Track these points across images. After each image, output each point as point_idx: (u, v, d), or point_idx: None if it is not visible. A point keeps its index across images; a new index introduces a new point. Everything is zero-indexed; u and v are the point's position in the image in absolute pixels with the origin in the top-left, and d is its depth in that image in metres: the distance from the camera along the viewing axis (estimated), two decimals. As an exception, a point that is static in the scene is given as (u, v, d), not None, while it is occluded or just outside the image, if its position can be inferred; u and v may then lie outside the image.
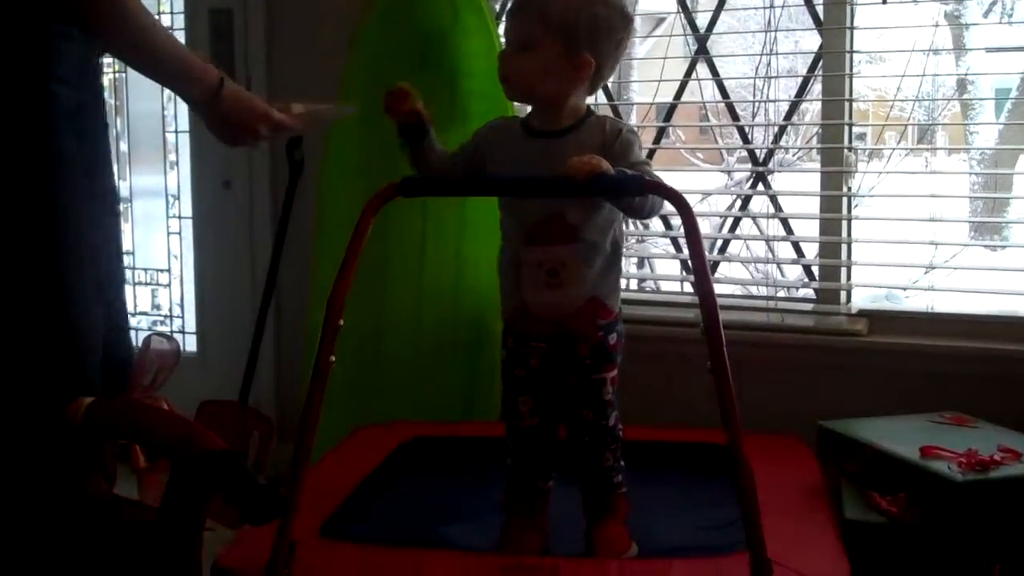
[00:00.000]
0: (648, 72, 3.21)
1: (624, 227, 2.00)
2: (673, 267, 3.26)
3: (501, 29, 2.74)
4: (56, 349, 1.70)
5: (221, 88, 1.82)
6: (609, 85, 3.06)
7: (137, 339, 3.57)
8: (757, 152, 2.94)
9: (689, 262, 3.01)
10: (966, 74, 3.17)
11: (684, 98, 3.03)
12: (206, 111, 1.84)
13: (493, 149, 1.97)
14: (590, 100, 2.05)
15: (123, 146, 3.65)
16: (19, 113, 1.65)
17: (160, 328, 3.62)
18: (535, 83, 1.90)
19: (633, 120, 3.24)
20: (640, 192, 1.81)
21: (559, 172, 1.76)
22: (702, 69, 2.98)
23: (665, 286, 3.27)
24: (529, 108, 2.02)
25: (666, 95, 3.03)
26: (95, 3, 1.72)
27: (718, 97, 3.01)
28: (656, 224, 3.09)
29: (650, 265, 3.47)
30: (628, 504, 2.03)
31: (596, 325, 1.94)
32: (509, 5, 2.02)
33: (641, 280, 3.36)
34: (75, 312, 1.72)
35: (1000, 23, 3.71)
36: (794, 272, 3.03)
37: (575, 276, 1.91)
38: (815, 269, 2.89)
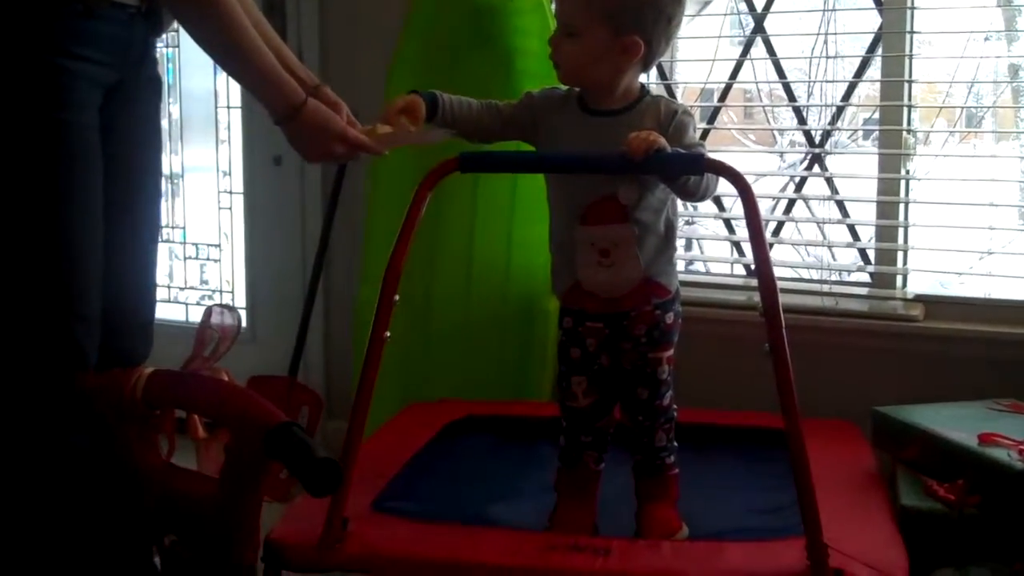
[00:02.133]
0: (697, 52, 3.18)
1: (677, 208, 1.98)
2: (722, 248, 3.23)
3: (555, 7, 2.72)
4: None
5: (302, 107, 1.84)
6: (662, 64, 3.04)
7: (188, 313, 3.63)
8: (813, 134, 2.90)
9: (740, 244, 3.00)
10: (1020, 57, 3.09)
11: (738, 79, 3.00)
12: (284, 126, 1.86)
13: (548, 117, 1.96)
14: (643, 79, 2.04)
15: (175, 122, 3.67)
16: (20, 83, 1.67)
17: (208, 303, 3.63)
18: (585, 70, 1.89)
19: (681, 100, 3.21)
20: (700, 171, 1.79)
21: (618, 149, 1.75)
22: (756, 50, 2.95)
23: (714, 267, 3.25)
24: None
25: (719, 75, 3.00)
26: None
27: (772, 77, 2.97)
28: (708, 206, 3.07)
29: (699, 246, 3.44)
30: (679, 486, 2.02)
31: (651, 304, 1.93)
32: None
33: (689, 262, 3.33)
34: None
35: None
36: (849, 256, 2.99)
37: (627, 256, 1.90)
38: (870, 253, 2.85)
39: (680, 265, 3.18)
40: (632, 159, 1.74)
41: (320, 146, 1.90)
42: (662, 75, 3.07)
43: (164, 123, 3.64)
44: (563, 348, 2.01)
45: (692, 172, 1.81)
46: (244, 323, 3.47)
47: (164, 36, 3.52)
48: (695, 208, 3.12)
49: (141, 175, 1.91)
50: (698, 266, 3.31)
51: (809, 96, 2.90)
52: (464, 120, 1.96)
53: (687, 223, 3.22)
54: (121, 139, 1.83)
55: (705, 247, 3.40)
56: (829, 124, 2.89)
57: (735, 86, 3.09)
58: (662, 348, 1.95)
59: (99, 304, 1.77)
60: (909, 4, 2.71)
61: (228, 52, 1.80)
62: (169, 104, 3.65)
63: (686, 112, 1.91)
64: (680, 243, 3.31)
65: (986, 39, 2.81)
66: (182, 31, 3.49)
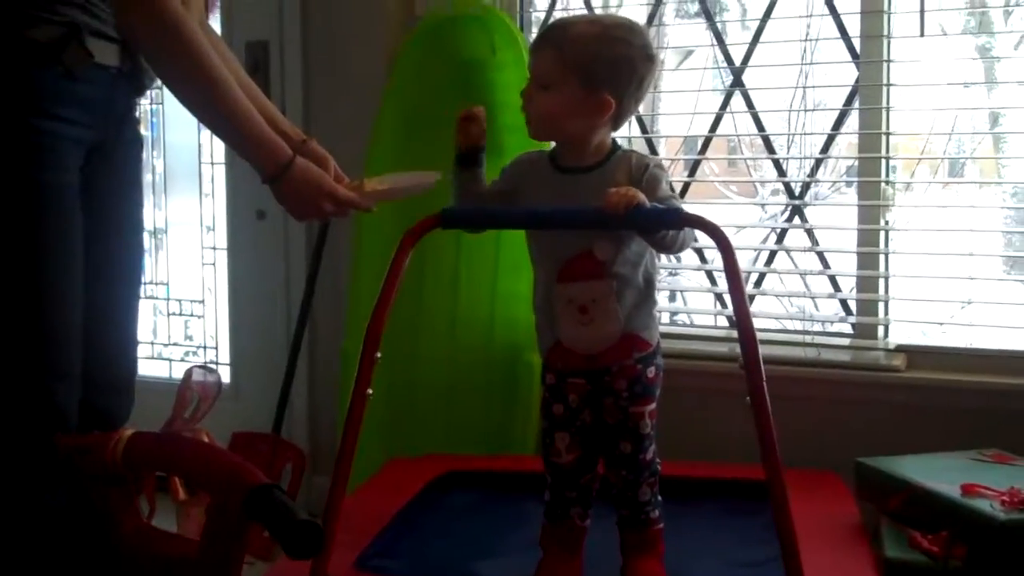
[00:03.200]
0: (678, 104, 3.21)
1: (656, 260, 1.99)
2: (706, 300, 3.25)
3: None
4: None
5: (290, 166, 1.85)
6: (642, 117, 3.07)
7: (171, 370, 3.61)
8: (792, 185, 2.93)
9: (723, 296, 3.01)
10: (999, 108, 3.14)
11: (718, 131, 3.03)
12: (272, 187, 1.88)
13: (522, 183, 1.97)
14: (621, 133, 2.06)
15: (158, 176, 3.68)
16: (1, 144, 1.68)
17: (193, 359, 3.62)
18: (556, 123, 1.90)
19: (663, 152, 3.24)
20: (679, 226, 1.81)
21: (597, 205, 1.76)
22: (736, 103, 2.98)
23: (698, 319, 3.26)
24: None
25: (699, 128, 3.03)
26: (156, 56, 1.77)
27: (752, 130, 3.01)
28: (690, 257, 3.08)
29: (683, 298, 3.46)
30: (664, 540, 2.01)
31: (633, 358, 1.93)
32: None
33: (673, 313, 3.34)
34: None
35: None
36: (831, 307, 3.00)
37: (606, 311, 1.90)
38: (852, 303, 2.87)
39: (664, 317, 3.22)
40: (611, 214, 1.75)
41: (309, 205, 1.91)
42: (643, 128, 3.10)
43: (148, 177, 3.67)
44: (546, 404, 2.01)
45: (671, 227, 1.82)
46: (228, 379, 3.46)
47: (148, 93, 3.56)
48: (678, 260, 3.14)
49: (122, 234, 1.91)
50: (682, 318, 3.32)
51: (788, 148, 2.93)
52: (482, 195, 1.98)
53: (670, 274, 3.24)
54: (102, 198, 1.83)
55: (688, 299, 3.42)
56: (808, 176, 2.92)
57: (720, 137, 3.12)
58: (644, 402, 1.95)
59: (79, 364, 1.76)
60: (885, 57, 2.75)
61: (215, 114, 1.81)
62: (153, 158, 3.67)
63: (658, 165, 1.92)
64: (664, 295, 3.35)
65: (966, 87, 2.85)
66: (165, 89, 3.54)
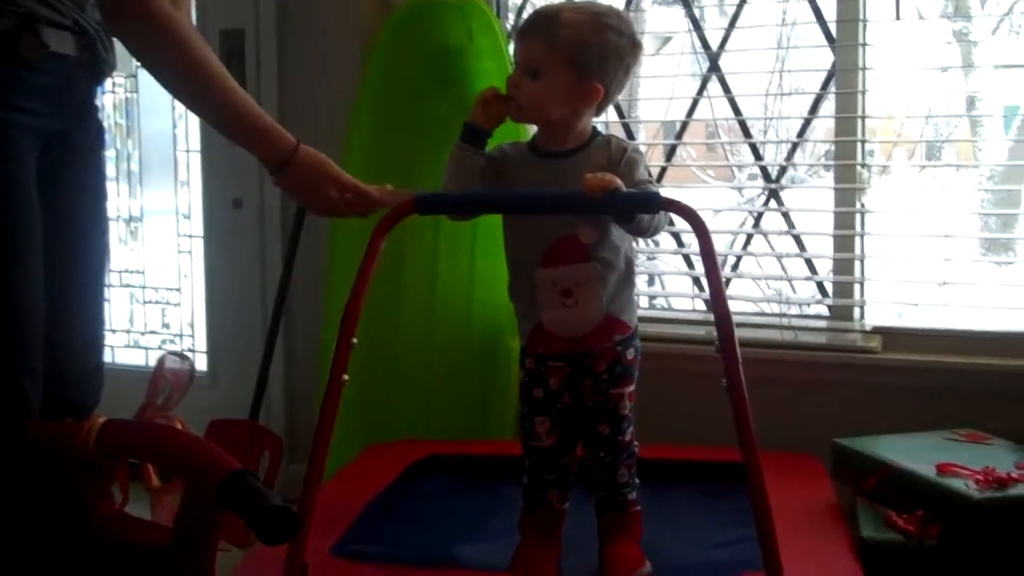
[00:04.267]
0: (656, 89, 3.21)
1: (634, 244, 1.99)
2: (684, 284, 3.25)
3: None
4: None
5: (296, 152, 1.86)
6: (620, 103, 3.07)
7: (148, 358, 3.60)
8: (769, 169, 2.94)
9: (701, 279, 3.02)
10: (976, 91, 3.15)
11: (695, 115, 3.03)
12: (280, 176, 1.88)
13: (505, 168, 1.97)
14: (599, 118, 2.06)
15: (134, 165, 3.66)
16: None
17: (170, 347, 3.61)
18: (545, 109, 1.90)
19: (642, 137, 3.24)
20: (655, 209, 1.81)
21: (575, 189, 1.76)
22: (713, 87, 2.98)
23: (676, 303, 3.26)
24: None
25: (677, 113, 3.03)
26: (152, 61, 1.78)
27: (729, 114, 3.01)
28: (667, 241, 3.09)
29: (661, 282, 3.46)
30: (642, 522, 2.02)
31: (613, 341, 1.94)
32: (519, 25, 2.01)
33: (652, 297, 3.35)
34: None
35: (1008, 40, 3.70)
36: (807, 289, 3.02)
37: (590, 295, 1.90)
38: (828, 286, 2.88)
39: (642, 301, 3.22)
40: (589, 199, 1.75)
41: (317, 192, 1.91)
42: (620, 113, 3.10)
43: (123, 166, 3.66)
44: (525, 388, 2.01)
45: (648, 211, 1.82)
46: (205, 366, 3.46)
47: (122, 82, 3.54)
48: (656, 244, 3.14)
49: (84, 224, 1.90)
50: (660, 302, 3.33)
51: (765, 132, 2.94)
52: (478, 175, 1.95)
53: (649, 258, 3.24)
54: (63, 189, 1.82)
55: (666, 283, 3.42)
56: (785, 159, 2.93)
57: (699, 122, 3.12)
58: (623, 384, 1.96)
59: (41, 355, 1.75)
60: (861, 41, 2.75)
61: (217, 109, 1.83)
62: (128, 147, 3.65)
63: (636, 150, 1.93)
64: (642, 279, 3.35)
65: (943, 71, 2.85)
66: (140, 75, 3.51)
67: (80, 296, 1.88)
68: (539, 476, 2.01)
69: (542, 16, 1.93)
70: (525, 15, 3.07)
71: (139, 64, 1.84)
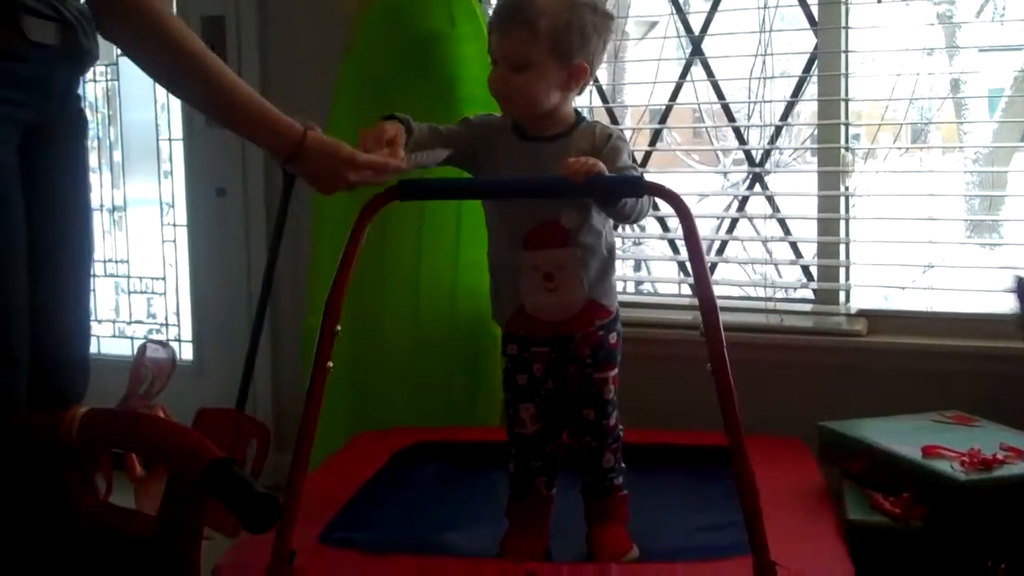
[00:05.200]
0: (642, 74, 3.20)
1: (621, 229, 1.99)
2: (670, 269, 3.25)
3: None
4: None
5: (304, 140, 1.84)
6: (604, 87, 3.06)
7: (134, 348, 3.58)
8: (753, 153, 2.93)
9: (687, 264, 3.02)
10: (960, 73, 3.15)
11: (679, 100, 3.03)
12: (291, 165, 1.87)
13: (485, 146, 1.97)
14: (584, 103, 2.05)
15: (117, 155, 3.64)
16: None
17: (155, 337, 3.60)
18: (538, 100, 1.89)
19: (628, 122, 3.24)
20: (639, 193, 1.81)
21: (557, 174, 1.76)
22: (697, 71, 2.98)
23: (662, 288, 3.26)
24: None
25: (661, 97, 3.03)
26: (150, 63, 1.77)
27: (713, 98, 3.01)
28: (653, 226, 3.09)
29: (647, 267, 3.46)
30: (628, 507, 2.02)
31: (595, 325, 1.94)
32: (491, 18, 1.98)
33: (638, 283, 3.34)
34: None
35: (992, 22, 3.70)
36: (792, 273, 3.02)
37: (571, 279, 1.91)
38: (813, 270, 2.88)
39: (629, 286, 3.22)
40: (571, 183, 1.75)
41: (332, 177, 1.88)
42: (603, 98, 3.09)
43: (107, 156, 3.63)
44: (509, 375, 2.01)
45: (631, 195, 1.82)
46: (191, 356, 3.44)
47: (104, 71, 3.51)
48: (641, 229, 3.14)
49: (68, 213, 1.88)
50: (646, 287, 3.33)
51: (749, 117, 2.93)
52: (429, 145, 1.95)
53: (635, 244, 3.24)
54: (46, 177, 1.80)
55: (652, 268, 3.42)
56: (768, 144, 2.92)
57: (684, 107, 3.11)
58: (607, 368, 1.96)
59: (26, 346, 1.74)
60: (843, 24, 2.75)
61: (221, 105, 1.82)
62: (111, 137, 3.63)
63: (620, 137, 1.93)
64: (628, 264, 3.35)
65: (929, 54, 2.85)
66: (121, 63, 3.49)
67: (65, 287, 1.87)
68: (525, 464, 2.01)
69: (517, 7, 1.89)
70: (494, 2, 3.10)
71: (134, 61, 1.81)
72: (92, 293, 2.00)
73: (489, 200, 1.99)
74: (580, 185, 1.74)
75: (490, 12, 3.01)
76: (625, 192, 1.82)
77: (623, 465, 2.01)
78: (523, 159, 1.93)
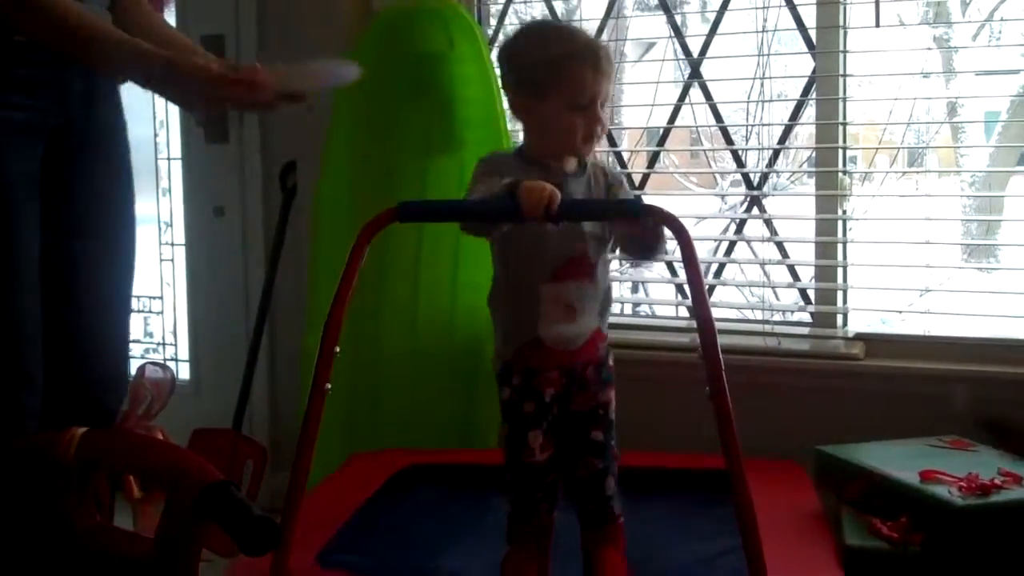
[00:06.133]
0: (640, 96, 3.21)
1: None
2: (668, 291, 3.26)
3: (494, 56, 2.73)
4: None
5: (169, 63, 1.76)
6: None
7: (132, 366, 3.57)
8: (751, 176, 2.94)
9: (685, 287, 3.02)
10: (956, 97, 3.16)
11: (677, 122, 3.03)
12: (154, 88, 1.80)
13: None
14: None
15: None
16: None
17: (153, 356, 3.59)
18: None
19: (626, 144, 3.24)
20: (638, 215, 1.81)
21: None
22: (695, 94, 2.99)
23: (660, 310, 3.26)
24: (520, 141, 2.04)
25: (659, 119, 3.04)
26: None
27: (711, 121, 3.02)
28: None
29: (645, 289, 3.46)
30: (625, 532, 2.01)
31: (599, 349, 1.95)
32: (578, 55, 1.90)
33: (636, 304, 3.35)
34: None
35: (989, 46, 3.73)
36: (790, 296, 3.02)
37: (590, 310, 1.94)
38: (811, 293, 2.88)
39: (627, 308, 3.22)
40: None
41: (202, 95, 1.79)
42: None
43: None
44: (514, 405, 1.97)
45: (631, 215, 1.83)
46: (188, 375, 3.44)
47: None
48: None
49: (110, 223, 1.86)
50: (644, 309, 3.33)
51: (747, 139, 2.94)
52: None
53: (632, 266, 3.24)
54: (83, 187, 1.77)
55: (650, 290, 3.42)
56: (766, 166, 2.93)
57: (682, 129, 3.12)
58: (610, 388, 1.97)
59: (41, 362, 1.72)
60: (842, 48, 2.76)
61: (73, 43, 1.72)
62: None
63: (619, 177, 2.03)
64: (626, 285, 3.36)
65: (925, 77, 2.87)
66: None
67: (107, 301, 1.84)
68: (529, 495, 1.96)
69: (599, 48, 1.93)
70: (508, 24, 3.11)
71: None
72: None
73: (514, 232, 1.93)
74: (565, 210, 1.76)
75: (489, 34, 3.02)
76: (625, 213, 1.84)
77: (619, 488, 1.99)
78: None
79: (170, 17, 3.40)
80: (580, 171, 1.94)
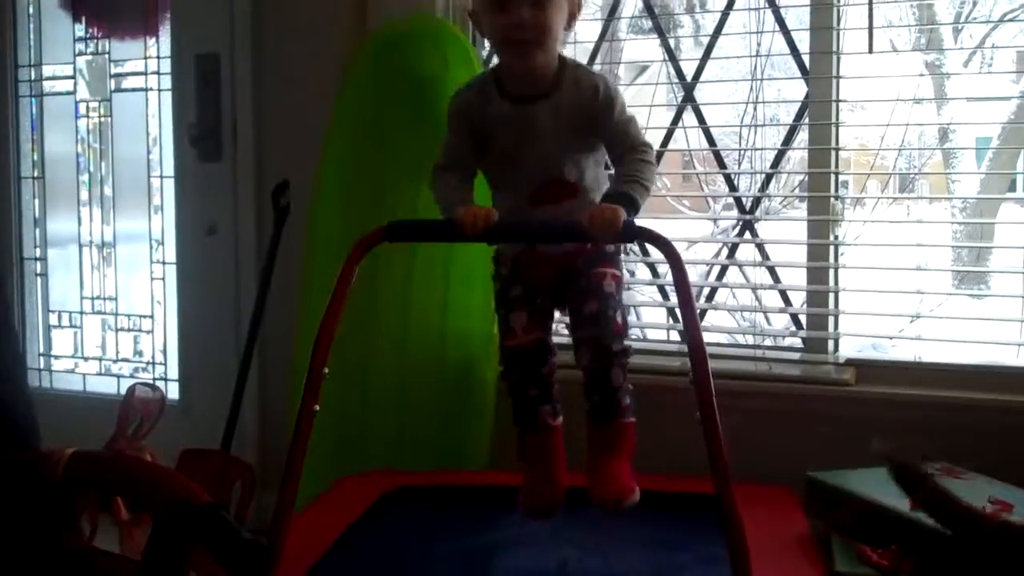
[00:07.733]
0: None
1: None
2: (659, 315, 3.25)
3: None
4: None
5: None
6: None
7: (120, 386, 3.56)
8: (744, 200, 2.94)
9: (676, 311, 3.02)
10: (948, 123, 3.18)
11: (670, 145, 3.04)
12: None
13: (479, 117, 1.92)
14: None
15: (107, 190, 3.64)
16: None
17: (142, 375, 3.58)
18: (553, 35, 1.84)
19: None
20: (629, 239, 1.81)
21: (581, 221, 1.77)
22: (688, 117, 2.99)
23: (651, 334, 3.26)
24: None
25: (652, 142, 3.03)
26: None
27: (704, 145, 3.02)
28: (643, 271, 3.09)
29: (636, 313, 3.46)
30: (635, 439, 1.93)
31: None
32: None
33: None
34: None
35: (980, 73, 3.75)
36: (781, 321, 3.02)
37: (580, 213, 1.86)
38: (802, 318, 2.88)
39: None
40: (586, 232, 1.76)
41: None
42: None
43: (98, 192, 3.63)
44: (502, 292, 1.95)
45: (622, 241, 1.82)
46: (177, 395, 3.42)
47: (96, 106, 3.51)
48: (631, 274, 3.14)
49: None
50: (634, 332, 3.32)
51: (740, 163, 2.95)
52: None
53: (624, 289, 3.23)
54: None
55: (641, 314, 3.42)
56: (759, 191, 2.93)
57: (675, 152, 3.13)
58: (605, 265, 1.91)
59: None
60: (835, 74, 2.77)
61: None
62: (102, 172, 3.62)
63: (608, 86, 1.89)
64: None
65: (917, 103, 2.88)
66: (114, 99, 3.49)
67: None
68: (522, 393, 1.93)
69: None
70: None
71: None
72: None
73: (492, 161, 1.95)
74: (597, 236, 1.77)
75: (484, 56, 3.03)
76: (618, 239, 1.83)
77: (631, 387, 1.92)
78: (520, 126, 1.89)
79: (165, 36, 3.41)
80: (550, 94, 1.87)
